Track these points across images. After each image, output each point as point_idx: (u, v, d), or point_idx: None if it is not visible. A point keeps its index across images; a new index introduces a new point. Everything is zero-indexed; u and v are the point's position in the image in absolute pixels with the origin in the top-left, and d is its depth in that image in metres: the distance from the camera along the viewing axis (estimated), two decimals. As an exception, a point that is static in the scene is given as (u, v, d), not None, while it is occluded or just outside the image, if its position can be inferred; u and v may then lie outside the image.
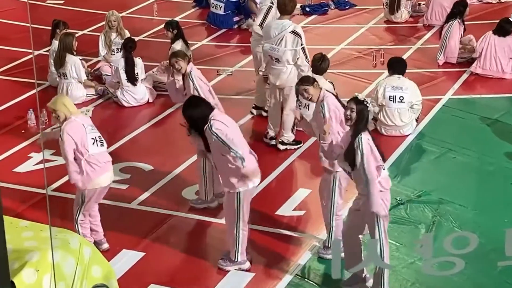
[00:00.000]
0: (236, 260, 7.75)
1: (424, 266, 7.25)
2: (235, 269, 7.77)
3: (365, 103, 6.83)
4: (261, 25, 10.37)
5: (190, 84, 8.52)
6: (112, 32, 12.06)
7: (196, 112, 7.47)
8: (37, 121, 10.74)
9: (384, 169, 6.97)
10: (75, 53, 11.28)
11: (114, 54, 12.00)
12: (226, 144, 7.26)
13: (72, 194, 8.51)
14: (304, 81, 7.77)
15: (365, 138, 6.80)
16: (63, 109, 7.61)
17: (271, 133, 10.22)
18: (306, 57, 9.70)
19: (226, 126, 7.34)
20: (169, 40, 11.60)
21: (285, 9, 9.71)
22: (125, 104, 11.34)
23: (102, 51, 12.15)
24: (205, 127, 7.35)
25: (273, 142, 10.20)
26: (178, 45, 11.34)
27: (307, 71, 9.56)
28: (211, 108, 7.54)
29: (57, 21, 11.99)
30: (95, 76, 12.11)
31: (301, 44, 9.61)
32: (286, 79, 9.76)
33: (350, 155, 6.86)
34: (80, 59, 11.56)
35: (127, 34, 12.04)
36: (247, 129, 10.54)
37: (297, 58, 9.65)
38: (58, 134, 7.61)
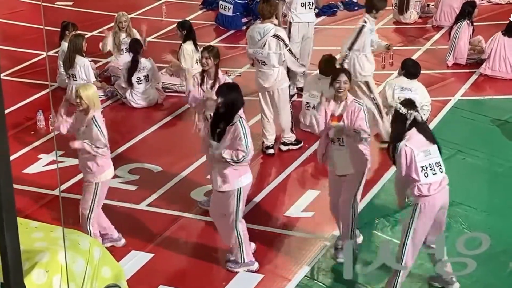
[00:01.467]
0: (242, 261, 7.75)
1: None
2: (244, 271, 7.77)
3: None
4: (350, 48, 10.06)
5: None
6: (122, 33, 12.08)
7: (235, 97, 7.38)
8: (46, 123, 10.76)
9: None
10: (84, 54, 11.31)
11: (123, 54, 12.03)
12: (247, 139, 7.28)
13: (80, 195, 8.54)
14: (346, 73, 7.65)
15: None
16: (93, 101, 7.67)
17: (267, 142, 10.06)
18: (295, 57, 9.88)
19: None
20: (179, 41, 11.61)
21: (264, 14, 9.74)
22: (134, 105, 11.36)
23: (115, 51, 12.15)
24: (234, 120, 7.29)
25: (271, 151, 10.08)
26: (189, 46, 11.37)
27: (304, 69, 9.85)
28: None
29: (66, 22, 12.03)
30: (104, 78, 12.14)
31: (286, 46, 9.65)
32: (274, 81, 9.77)
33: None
34: (90, 61, 11.59)
35: (137, 35, 12.07)
36: (255, 131, 10.52)
37: (283, 61, 9.69)
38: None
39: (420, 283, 7.57)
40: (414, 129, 6.89)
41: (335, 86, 7.49)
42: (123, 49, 12.05)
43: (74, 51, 11.18)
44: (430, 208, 6.89)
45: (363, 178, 7.71)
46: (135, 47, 11.41)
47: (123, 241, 8.21)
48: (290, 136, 10.15)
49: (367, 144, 7.50)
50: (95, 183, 7.77)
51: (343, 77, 7.47)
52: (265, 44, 9.62)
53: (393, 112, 7.18)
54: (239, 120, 7.31)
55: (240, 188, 7.44)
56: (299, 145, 10.19)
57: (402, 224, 7.24)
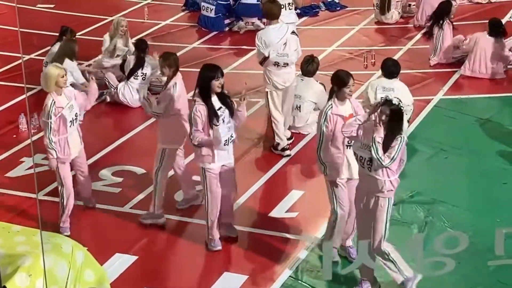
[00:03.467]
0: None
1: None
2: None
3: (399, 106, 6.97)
4: None
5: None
6: (118, 38, 12.06)
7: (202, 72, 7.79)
8: (28, 126, 10.73)
9: None
10: (74, 59, 11.27)
11: (115, 59, 12.01)
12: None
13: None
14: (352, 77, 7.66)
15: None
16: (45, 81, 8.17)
17: (283, 143, 10.02)
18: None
19: None
20: (162, 43, 11.63)
21: (273, 14, 9.77)
22: (121, 99, 11.28)
23: (106, 54, 12.13)
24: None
25: (287, 152, 10.01)
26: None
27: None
28: None
29: (65, 27, 11.94)
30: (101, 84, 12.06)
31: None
32: (291, 79, 9.92)
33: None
34: (77, 65, 11.53)
35: (131, 44, 12.09)
36: (239, 131, 10.50)
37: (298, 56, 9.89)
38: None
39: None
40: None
41: (346, 91, 7.49)
42: (118, 55, 12.02)
43: (64, 55, 11.12)
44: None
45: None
46: (143, 47, 11.37)
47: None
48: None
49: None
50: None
51: (352, 81, 7.55)
52: (285, 43, 9.68)
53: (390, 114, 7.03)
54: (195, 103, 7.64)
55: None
56: (290, 140, 10.24)
57: (375, 228, 7.19)
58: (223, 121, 7.73)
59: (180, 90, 8.32)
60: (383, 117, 6.89)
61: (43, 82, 8.07)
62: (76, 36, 12.12)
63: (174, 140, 8.42)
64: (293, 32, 9.79)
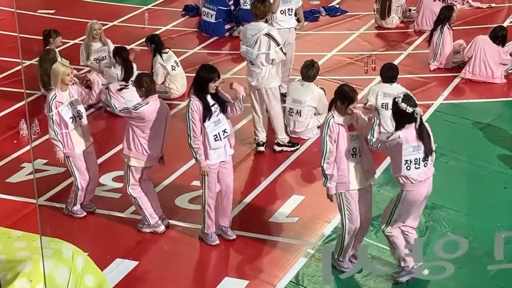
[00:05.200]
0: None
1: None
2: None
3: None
4: None
5: None
6: (94, 42, 12.05)
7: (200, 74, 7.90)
8: (28, 131, 10.73)
9: None
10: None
11: (98, 63, 11.99)
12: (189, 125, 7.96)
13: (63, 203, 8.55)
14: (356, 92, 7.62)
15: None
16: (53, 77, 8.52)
17: (258, 138, 10.18)
18: (285, 54, 10.04)
19: None
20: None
21: (256, 14, 9.88)
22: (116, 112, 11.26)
23: (84, 60, 12.15)
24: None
25: (261, 148, 10.17)
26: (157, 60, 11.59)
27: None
28: None
29: (47, 30, 11.94)
30: (86, 86, 12.06)
31: (277, 45, 9.80)
32: (262, 80, 9.89)
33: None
34: (73, 68, 11.52)
35: (109, 42, 12.07)
36: (239, 136, 10.53)
37: (272, 60, 9.80)
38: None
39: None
40: (412, 124, 7.23)
41: (350, 107, 7.38)
42: (96, 58, 11.99)
43: (49, 66, 11.13)
44: (412, 197, 7.31)
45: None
46: (125, 53, 11.34)
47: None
48: (283, 138, 10.18)
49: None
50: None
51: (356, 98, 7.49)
52: (256, 42, 9.75)
53: (393, 106, 7.28)
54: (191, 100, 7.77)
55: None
56: (294, 148, 10.21)
57: (385, 210, 7.55)
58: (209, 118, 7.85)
59: (150, 112, 8.20)
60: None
61: (51, 77, 8.52)
62: (76, 42, 12.12)
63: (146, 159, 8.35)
64: (267, 34, 9.77)
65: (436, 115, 11.10)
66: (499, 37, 12.06)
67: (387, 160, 9.91)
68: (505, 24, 13.56)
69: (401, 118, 7.26)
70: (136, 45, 13.70)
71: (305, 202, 9.02)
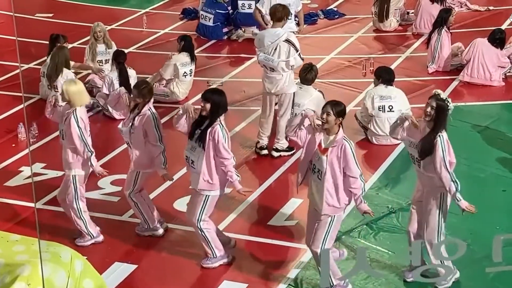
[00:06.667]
0: (215, 256, 7.89)
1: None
2: (220, 264, 7.93)
3: (446, 101, 7.23)
4: None
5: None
6: (98, 43, 12.07)
7: (219, 100, 7.58)
8: (27, 135, 10.72)
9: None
10: (70, 66, 11.29)
11: (102, 65, 12.01)
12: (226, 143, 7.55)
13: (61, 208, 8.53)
14: (332, 104, 7.26)
15: (446, 137, 7.21)
16: (74, 97, 8.11)
17: (263, 142, 10.21)
18: (303, 60, 10.02)
19: None
20: (160, 52, 11.65)
21: (276, 17, 9.82)
22: (117, 117, 11.29)
23: (89, 62, 12.16)
24: (215, 123, 7.50)
25: (264, 151, 10.20)
26: (182, 57, 11.56)
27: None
28: None
29: (55, 35, 11.92)
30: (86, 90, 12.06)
31: (296, 51, 9.81)
32: (283, 86, 9.90)
33: (425, 149, 7.20)
34: (72, 72, 11.55)
35: (114, 45, 12.06)
36: (238, 139, 10.54)
37: (292, 66, 9.82)
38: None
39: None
40: None
41: (321, 116, 7.11)
42: (101, 60, 12.02)
43: (62, 63, 11.13)
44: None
45: (333, 225, 7.23)
46: (122, 57, 11.33)
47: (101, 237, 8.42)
48: (283, 143, 10.19)
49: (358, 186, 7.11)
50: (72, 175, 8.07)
51: (327, 108, 7.09)
52: (276, 49, 9.74)
53: (435, 105, 7.22)
54: (219, 125, 7.47)
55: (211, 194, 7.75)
56: (291, 152, 10.21)
57: (428, 224, 7.45)
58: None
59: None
60: (429, 109, 7.16)
61: (71, 98, 8.04)
62: (75, 45, 12.14)
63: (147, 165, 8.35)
64: (287, 40, 9.78)
65: (435, 118, 11.08)
66: (497, 39, 12.10)
67: (385, 163, 9.95)
68: (503, 27, 13.59)
69: (446, 119, 7.25)
70: (134, 49, 13.70)
71: (303, 206, 9.00)
